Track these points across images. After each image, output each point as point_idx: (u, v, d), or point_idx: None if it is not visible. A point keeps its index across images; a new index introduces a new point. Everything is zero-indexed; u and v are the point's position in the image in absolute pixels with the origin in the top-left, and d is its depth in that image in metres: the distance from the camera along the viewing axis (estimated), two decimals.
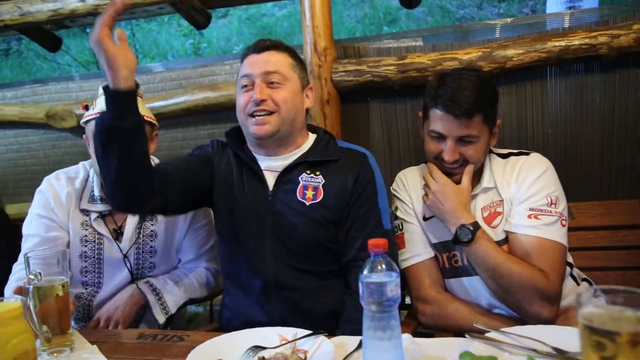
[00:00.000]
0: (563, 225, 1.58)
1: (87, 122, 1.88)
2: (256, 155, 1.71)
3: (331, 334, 1.31)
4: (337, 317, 1.60)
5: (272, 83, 1.62)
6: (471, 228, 1.55)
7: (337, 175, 1.66)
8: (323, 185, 1.65)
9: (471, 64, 2.36)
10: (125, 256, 1.90)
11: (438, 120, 1.59)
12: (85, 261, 1.90)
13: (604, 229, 1.90)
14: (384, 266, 1.04)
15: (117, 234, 1.92)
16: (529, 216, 1.57)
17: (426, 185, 1.67)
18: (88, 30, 7.58)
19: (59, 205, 1.88)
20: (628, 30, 2.19)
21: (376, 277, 1.03)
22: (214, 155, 1.77)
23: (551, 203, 1.58)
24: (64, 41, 4.02)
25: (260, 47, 1.66)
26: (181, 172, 1.65)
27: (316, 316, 1.60)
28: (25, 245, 1.86)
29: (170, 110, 2.89)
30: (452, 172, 1.64)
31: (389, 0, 7.88)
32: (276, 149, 1.69)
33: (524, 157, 1.68)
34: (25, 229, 1.90)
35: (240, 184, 1.70)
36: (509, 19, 2.68)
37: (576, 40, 2.26)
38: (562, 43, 2.28)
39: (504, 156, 1.72)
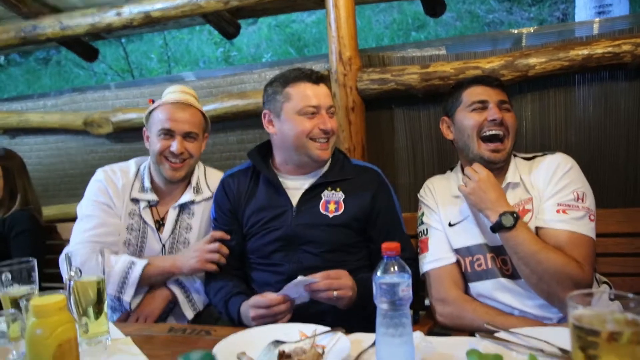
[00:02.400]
0: (591, 220, 1.63)
1: (149, 114, 2.07)
2: (279, 175, 1.90)
3: (348, 328, 1.38)
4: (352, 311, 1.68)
5: (331, 114, 1.84)
6: (514, 215, 1.60)
7: (356, 190, 1.86)
8: (344, 200, 1.84)
9: (494, 73, 2.40)
10: (163, 246, 2.05)
11: (477, 94, 1.79)
12: (128, 249, 2.04)
13: (622, 236, 1.91)
14: (396, 268, 1.11)
15: (159, 225, 2.07)
16: (558, 211, 1.63)
17: (467, 177, 1.73)
18: (123, 40, 7.84)
19: (116, 195, 2.05)
20: None
21: (389, 278, 1.10)
22: (230, 195, 1.95)
23: (578, 198, 1.63)
24: (100, 50, 4.20)
25: (316, 77, 1.83)
26: (237, 246, 1.93)
27: (324, 312, 1.68)
28: (83, 225, 2.01)
29: None
30: (496, 149, 1.73)
31: (417, 5, 7.90)
32: (299, 169, 1.89)
33: (549, 156, 1.76)
34: (84, 209, 2.05)
35: (264, 203, 1.87)
36: (532, 28, 2.69)
37: (599, 49, 2.27)
38: (585, 52, 2.29)
39: (529, 158, 1.81)
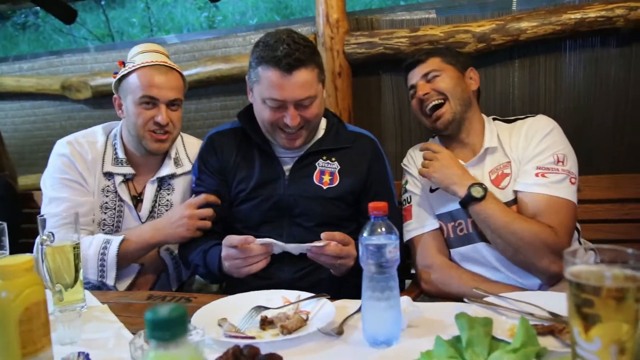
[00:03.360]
0: (572, 183, 1.60)
1: (120, 79, 1.86)
2: (271, 141, 1.76)
3: (334, 297, 1.34)
4: (340, 283, 1.63)
5: (303, 105, 1.64)
6: (483, 186, 1.58)
7: (351, 161, 1.77)
8: (339, 171, 1.75)
9: (484, 37, 2.34)
10: (142, 223, 1.89)
11: (409, 80, 1.87)
12: (103, 229, 1.87)
13: (611, 202, 1.89)
14: (383, 229, 1.06)
15: (137, 202, 1.91)
16: (537, 174, 1.60)
17: (426, 158, 1.71)
18: (103, 2, 7.59)
19: (85, 170, 1.85)
20: None
21: (376, 239, 1.06)
22: (219, 154, 1.80)
23: (558, 161, 1.60)
24: (79, 15, 4.05)
25: (288, 65, 1.58)
26: (222, 211, 1.79)
27: (321, 280, 1.64)
28: (51, 209, 1.81)
29: None
30: (437, 117, 1.76)
31: None
32: None
33: (530, 119, 1.73)
34: (49, 190, 1.84)
35: (256, 170, 1.75)
36: None
37: (592, 13, 2.21)
38: (578, 15, 2.23)
39: (510, 121, 1.78)
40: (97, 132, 1.95)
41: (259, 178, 1.73)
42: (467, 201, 1.58)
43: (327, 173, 1.74)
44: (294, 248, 1.47)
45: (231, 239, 1.47)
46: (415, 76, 1.83)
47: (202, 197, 1.75)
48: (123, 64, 1.87)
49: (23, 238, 2.36)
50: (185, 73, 1.97)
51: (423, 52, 1.91)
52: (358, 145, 1.81)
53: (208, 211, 1.73)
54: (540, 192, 1.58)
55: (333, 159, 1.76)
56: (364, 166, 1.77)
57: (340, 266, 1.50)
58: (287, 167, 1.75)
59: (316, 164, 1.75)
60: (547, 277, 1.55)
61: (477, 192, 1.56)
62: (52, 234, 1.36)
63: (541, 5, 2.38)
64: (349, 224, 1.75)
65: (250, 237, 1.45)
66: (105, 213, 1.87)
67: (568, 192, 1.58)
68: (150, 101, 1.80)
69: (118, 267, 1.72)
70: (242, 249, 1.44)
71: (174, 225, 1.74)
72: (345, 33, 2.57)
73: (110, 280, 1.73)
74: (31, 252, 2.31)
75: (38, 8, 3.59)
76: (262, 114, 1.67)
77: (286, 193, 1.71)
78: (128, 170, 1.89)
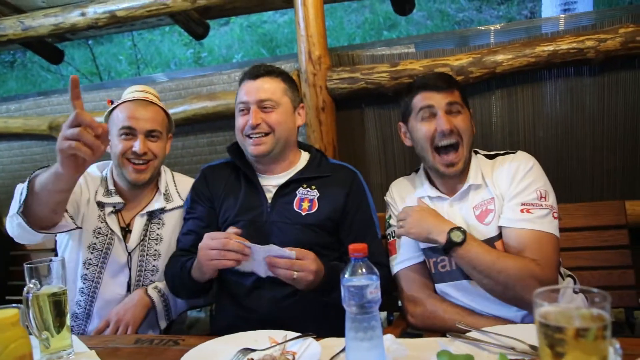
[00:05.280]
0: (555, 218, 1.63)
1: (108, 115, 1.97)
2: (257, 172, 1.89)
3: (318, 334, 1.36)
4: (322, 315, 1.66)
5: (265, 108, 1.81)
6: (461, 229, 1.59)
7: (331, 189, 1.84)
8: (318, 198, 1.82)
9: (462, 70, 2.41)
10: (129, 255, 1.93)
11: (423, 99, 1.73)
12: (92, 253, 1.92)
13: (590, 229, 1.93)
14: (364, 270, 1.08)
15: (125, 232, 1.97)
16: (522, 210, 1.62)
17: (399, 219, 1.72)
18: (90, 42, 7.68)
19: (87, 190, 1.96)
20: (614, 34, 2.22)
21: (357, 280, 1.07)
22: (210, 185, 1.93)
23: (541, 197, 1.63)
24: (66, 53, 4.10)
25: (255, 74, 1.84)
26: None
27: (302, 311, 1.67)
28: None
29: None
30: (451, 163, 1.70)
31: (388, 5, 7.89)
32: (273, 167, 1.88)
33: (510, 155, 1.75)
34: None
35: (241, 198, 1.85)
36: (499, 25, 2.71)
37: (564, 45, 2.29)
38: (551, 47, 2.31)
39: (491, 157, 1.80)
40: (92, 170, 2.06)
41: (243, 205, 1.83)
42: (449, 247, 1.59)
43: (307, 200, 1.81)
44: (261, 249, 1.53)
45: (216, 233, 1.58)
46: (435, 99, 1.71)
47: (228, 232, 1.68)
48: (111, 102, 1.98)
49: (11, 280, 2.36)
50: (171, 111, 2.05)
51: (444, 77, 1.79)
52: (338, 175, 1.89)
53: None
54: (525, 227, 1.60)
55: (313, 187, 1.84)
56: (342, 194, 1.83)
57: (299, 280, 1.54)
58: (269, 195, 1.83)
59: (297, 191, 1.83)
60: None
61: (456, 237, 1.57)
62: (39, 282, 1.36)
63: (516, 38, 2.46)
64: (330, 253, 1.80)
65: (234, 232, 1.57)
66: (97, 238, 1.94)
67: (551, 226, 1.61)
68: (129, 132, 1.91)
69: (28, 191, 1.63)
70: (222, 242, 1.52)
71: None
72: (327, 69, 2.63)
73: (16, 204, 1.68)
74: (21, 294, 2.32)
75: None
76: (236, 124, 1.86)
77: (268, 220, 1.79)
78: (117, 199, 1.98)
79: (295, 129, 1.92)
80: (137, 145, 1.89)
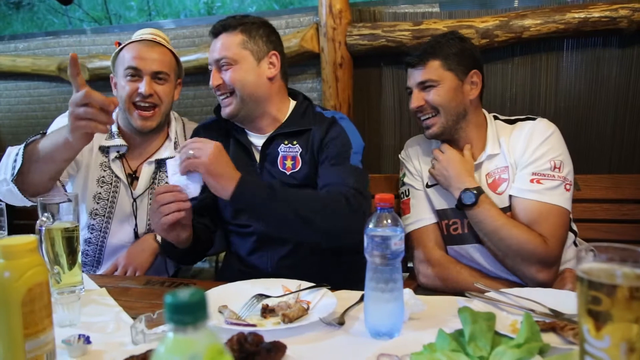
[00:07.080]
0: (567, 190, 1.59)
1: (115, 57, 1.91)
2: (247, 131, 1.79)
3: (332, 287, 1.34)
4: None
5: (223, 66, 1.70)
6: (475, 192, 1.58)
7: (312, 143, 1.71)
8: (301, 154, 1.70)
9: (487, 33, 2.33)
10: (134, 200, 1.91)
11: (408, 77, 1.77)
12: (98, 203, 1.90)
13: (610, 202, 1.90)
14: (389, 221, 1.06)
15: (132, 179, 1.93)
16: (532, 180, 1.59)
17: (434, 159, 1.74)
18: None
19: None
20: None
21: (381, 230, 1.05)
22: None
23: (555, 167, 1.59)
24: None
25: (213, 32, 1.76)
26: (209, 203, 1.78)
27: (302, 269, 1.63)
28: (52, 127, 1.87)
29: None
30: (427, 126, 1.73)
31: None
32: (256, 125, 1.76)
33: (530, 122, 1.70)
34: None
35: (233, 160, 1.70)
36: None
37: (596, 13, 2.21)
38: (582, 15, 2.23)
39: (511, 122, 1.75)
40: None
41: (237, 167, 1.68)
42: (460, 206, 1.60)
43: (289, 158, 1.71)
44: (171, 161, 1.51)
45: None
46: (412, 78, 1.75)
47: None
48: (119, 44, 1.92)
49: (18, 219, 2.34)
50: (184, 59, 1.99)
51: (426, 47, 1.75)
52: (318, 126, 1.72)
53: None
54: (533, 198, 1.58)
55: (294, 142, 1.71)
56: (317, 139, 1.69)
57: (194, 159, 1.46)
58: (257, 156, 1.75)
59: (278, 149, 1.72)
60: (534, 284, 1.53)
61: (467, 199, 1.58)
62: (52, 215, 1.34)
63: (545, 3, 2.38)
64: None
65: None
66: (101, 187, 1.90)
67: (562, 199, 1.58)
68: (135, 73, 1.85)
69: (23, 160, 1.64)
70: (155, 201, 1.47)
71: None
72: (347, 24, 2.55)
73: (8, 171, 1.67)
74: (27, 233, 2.29)
75: None
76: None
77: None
78: (120, 142, 1.92)
79: (264, 82, 1.73)
80: (143, 87, 1.84)
